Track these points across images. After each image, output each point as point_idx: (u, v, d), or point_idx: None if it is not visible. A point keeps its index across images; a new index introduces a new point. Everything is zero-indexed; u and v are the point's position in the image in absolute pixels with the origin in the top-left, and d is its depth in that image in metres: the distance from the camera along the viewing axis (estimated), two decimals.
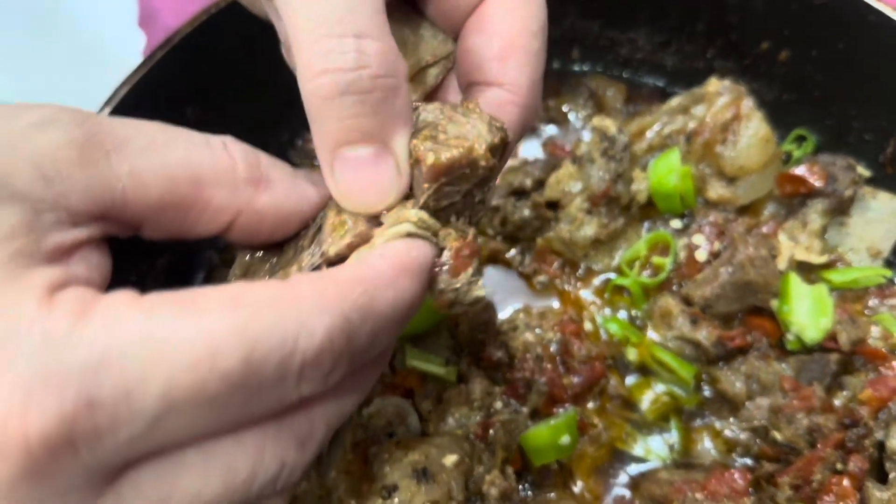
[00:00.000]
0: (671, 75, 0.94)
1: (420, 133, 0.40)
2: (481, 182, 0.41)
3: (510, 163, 0.85)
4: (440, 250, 0.41)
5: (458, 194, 0.41)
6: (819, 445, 0.65)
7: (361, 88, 0.37)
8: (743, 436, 0.70)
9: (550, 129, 0.93)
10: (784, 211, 0.80)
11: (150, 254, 0.79)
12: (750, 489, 0.65)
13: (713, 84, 0.82)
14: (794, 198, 0.79)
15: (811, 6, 0.79)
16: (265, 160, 0.41)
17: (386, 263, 0.36)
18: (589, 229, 0.78)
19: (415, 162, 0.39)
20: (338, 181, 0.39)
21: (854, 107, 0.82)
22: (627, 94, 0.94)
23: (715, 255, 0.76)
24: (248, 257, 0.45)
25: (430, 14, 0.47)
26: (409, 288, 0.37)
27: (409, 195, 0.40)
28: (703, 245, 0.76)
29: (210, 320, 0.30)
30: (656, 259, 0.78)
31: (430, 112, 0.41)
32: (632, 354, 0.76)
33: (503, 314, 0.79)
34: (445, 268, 0.40)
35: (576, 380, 0.73)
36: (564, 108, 0.94)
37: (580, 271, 0.82)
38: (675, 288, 0.77)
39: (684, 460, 0.72)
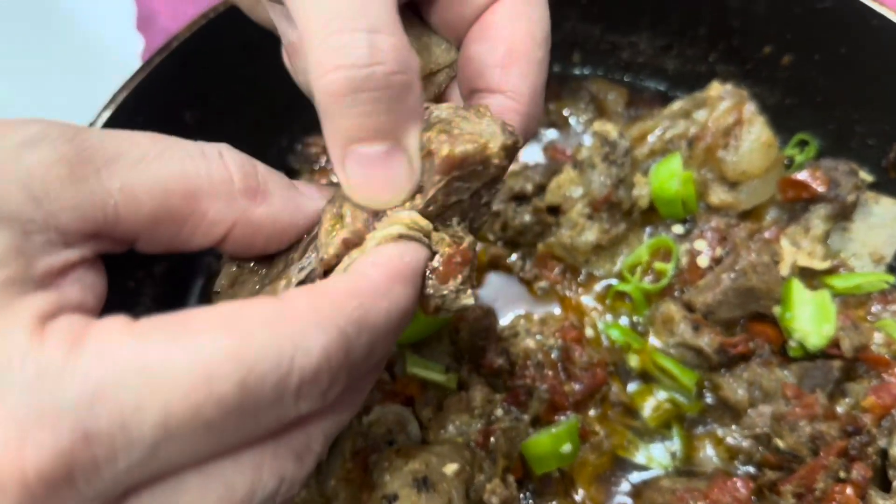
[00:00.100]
0: (673, 79, 0.94)
1: (434, 127, 0.40)
2: (490, 182, 0.41)
3: (511, 167, 0.84)
4: (432, 254, 0.40)
5: (468, 192, 0.40)
6: (822, 453, 0.64)
7: (375, 85, 0.36)
8: (745, 443, 0.70)
9: (551, 134, 0.92)
10: (786, 216, 0.80)
11: (148, 260, 0.78)
12: (752, 497, 0.64)
13: (715, 88, 0.82)
14: (797, 203, 0.79)
15: (814, 10, 0.79)
16: (262, 170, 0.40)
17: (378, 272, 0.36)
18: (590, 235, 0.78)
19: (427, 154, 0.39)
20: (349, 177, 0.39)
21: (857, 111, 0.81)
22: (629, 99, 0.94)
23: (717, 261, 0.75)
24: (234, 268, 0.44)
25: (433, 22, 0.47)
26: (404, 295, 0.36)
27: (417, 190, 0.40)
28: (705, 251, 0.76)
29: (204, 344, 0.30)
30: (658, 265, 0.78)
31: (443, 111, 0.41)
32: (633, 361, 0.75)
33: (504, 320, 0.79)
34: (435, 273, 0.40)
35: (577, 387, 0.72)
36: (565, 112, 0.93)
37: (581, 277, 0.81)
38: (676, 294, 0.77)
39: (686, 468, 0.71)
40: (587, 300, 0.80)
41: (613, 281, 0.80)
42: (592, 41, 0.93)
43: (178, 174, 0.36)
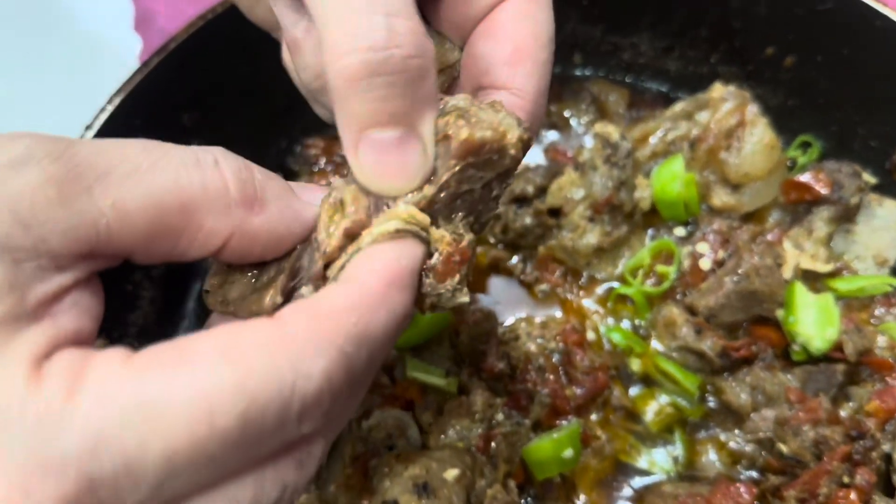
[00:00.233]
0: (674, 80, 0.93)
1: (451, 113, 0.39)
2: (503, 174, 0.40)
3: None
4: (429, 251, 0.40)
5: (480, 181, 0.40)
6: (825, 458, 0.64)
7: (392, 69, 0.35)
8: (748, 448, 0.70)
9: (552, 135, 0.92)
10: (789, 218, 0.80)
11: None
12: (756, 503, 0.64)
13: (717, 90, 0.81)
14: (800, 205, 0.78)
15: (816, 11, 0.78)
16: (259, 176, 0.39)
17: (375, 279, 0.35)
18: (591, 237, 0.78)
19: (443, 138, 0.38)
20: (362, 163, 0.38)
21: (859, 113, 0.81)
22: (630, 100, 0.93)
23: (719, 264, 0.75)
24: (225, 267, 0.44)
25: (437, 22, 0.47)
26: (401, 301, 0.36)
27: (428, 178, 0.40)
28: (707, 253, 0.76)
29: (203, 377, 0.29)
30: (660, 268, 0.78)
31: (459, 100, 0.41)
32: (635, 365, 0.75)
33: (505, 323, 0.78)
34: (433, 272, 0.40)
35: (578, 391, 0.72)
36: (566, 114, 0.93)
37: (583, 280, 0.81)
38: (679, 297, 0.76)
39: (689, 473, 0.71)
40: (588, 303, 0.80)
41: (615, 284, 0.80)
42: (593, 42, 0.93)
43: (172, 186, 0.35)
